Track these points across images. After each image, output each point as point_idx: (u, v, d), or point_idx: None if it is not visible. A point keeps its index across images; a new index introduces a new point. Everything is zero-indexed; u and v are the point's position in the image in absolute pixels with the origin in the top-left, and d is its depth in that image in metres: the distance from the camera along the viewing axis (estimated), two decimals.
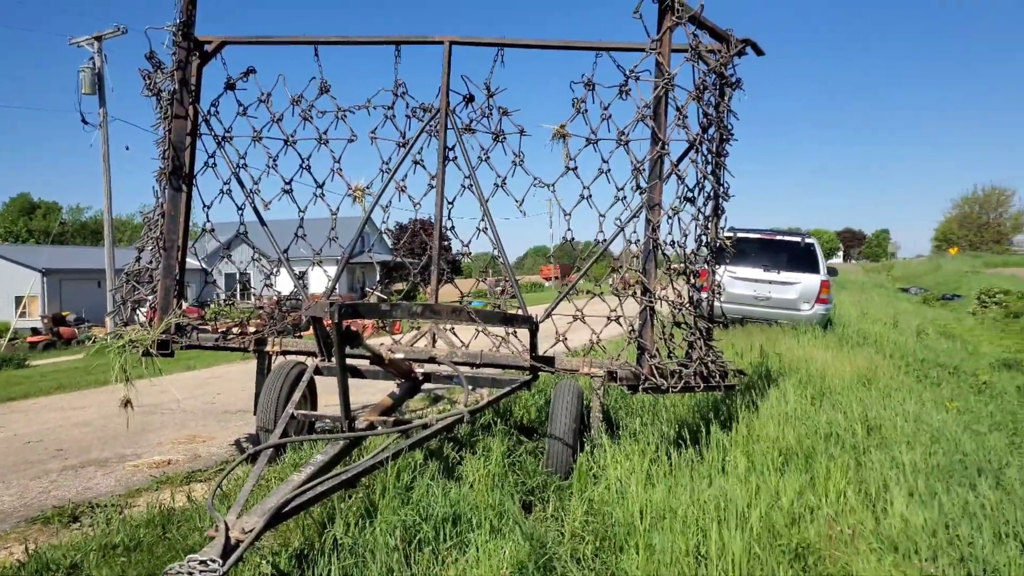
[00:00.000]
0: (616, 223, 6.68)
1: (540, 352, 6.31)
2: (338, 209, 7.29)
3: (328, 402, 7.07)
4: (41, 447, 7.89)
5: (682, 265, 6.29)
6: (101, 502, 5.78)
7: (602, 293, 6.99)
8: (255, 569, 3.93)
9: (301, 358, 6.97)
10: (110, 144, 28.28)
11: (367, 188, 7.20)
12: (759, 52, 6.75)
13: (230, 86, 7.10)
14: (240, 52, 7.13)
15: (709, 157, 6.41)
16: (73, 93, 28.95)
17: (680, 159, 6.21)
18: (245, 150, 7.21)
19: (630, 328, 6.22)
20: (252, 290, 8.21)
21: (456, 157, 7.01)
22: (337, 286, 7.38)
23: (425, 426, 5.08)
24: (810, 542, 4.07)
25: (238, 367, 14.21)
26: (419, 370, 6.62)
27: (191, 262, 7.16)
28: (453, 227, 7.30)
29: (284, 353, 6.95)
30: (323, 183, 7.31)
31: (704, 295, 6.71)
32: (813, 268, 14.55)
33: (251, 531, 3.49)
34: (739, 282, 14.27)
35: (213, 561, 3.17)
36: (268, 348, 6.91)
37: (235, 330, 7.19)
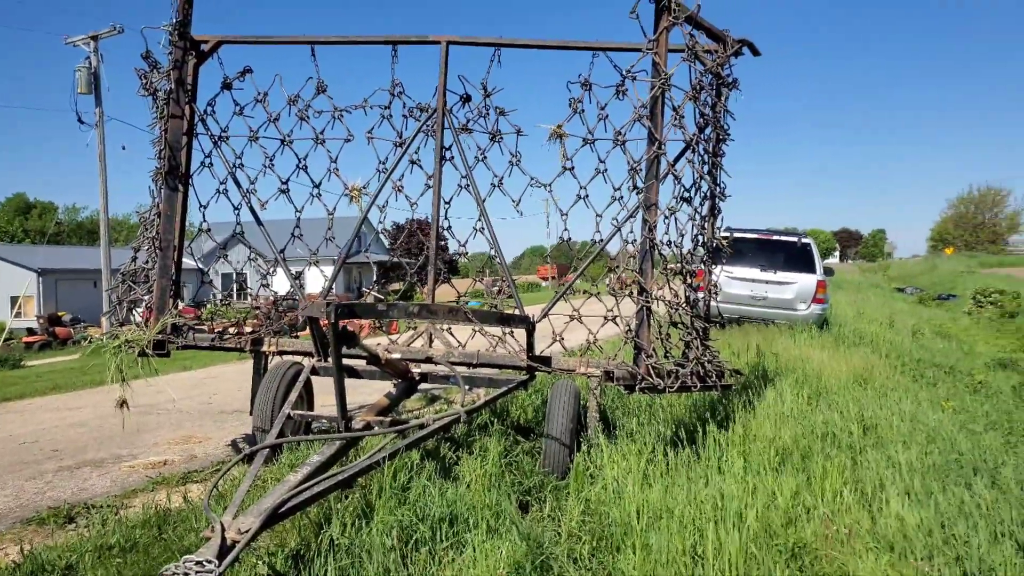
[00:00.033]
0: (613, 223, 6.69)
1: (537, 352, 6.31)
2: (335, 209, 7.29)
3: (325, 402, 7.06)
4: (37, 448, 7.87)
5: (679, 265, 6.30)
6: (97, 503, 5.77)
7: (599, 293, 6.99)
8: (251, 570, 3.93)
9: (297, 358, 6.96)
10: (106, 144, 28.23)
11: (364, 188, 7.20)
12: (756, 52, 6.76)
13: (226, 86, 7.09)
14: (237, 52, 7.13)
15: (706, 157, 6.41)
16: (69, 93, 28.84)
17: (677, 159, 6.22)
18: (241, 150, 7.22)
19: (627, 328, 6.22)
20: (248, 290, 8.20)
21: (453, 157, 7.02)
22: (334, 286, 7.38)
23: (422, 426, 5.07)
24: (806, 542, 4.08)
25: (234, 367, 14.19)
26: (416, 370, 6.62)
27: (187, 262, 7.14)
28: (450, 227, 7.31)
29: (280, 353, 6.94)
30: (320, 183, 7.32)
31: (701, 295, 6.72)
32: (809, 268, 14.57)
33: (247, 532, 3.49)
34: (736, 282, 14.28)
35: (209, 562, 3.16)
36: (264, 348, 6.90)
37: (231, 330, 7.17)
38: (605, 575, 4.02)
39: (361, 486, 4.88)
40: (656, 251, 5.91)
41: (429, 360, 6.60)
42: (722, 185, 6.72)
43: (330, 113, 7.14)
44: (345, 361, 5.80)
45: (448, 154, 7.01)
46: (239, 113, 7.16)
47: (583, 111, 6.58)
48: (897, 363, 11.09)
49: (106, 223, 28.86)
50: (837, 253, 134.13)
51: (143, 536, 4.65)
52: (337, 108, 7.13)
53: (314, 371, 6.55)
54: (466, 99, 7.08)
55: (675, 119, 5.88)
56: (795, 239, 15.14)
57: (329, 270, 7.44)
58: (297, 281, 7.46)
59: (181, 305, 6.96)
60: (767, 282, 14.55)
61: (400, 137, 7.18)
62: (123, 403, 6.11)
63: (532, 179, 6.94)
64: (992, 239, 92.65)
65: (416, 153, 7.17)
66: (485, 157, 7.06)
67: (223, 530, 3.45)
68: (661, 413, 7.19)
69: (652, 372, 5.83)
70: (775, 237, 15.16)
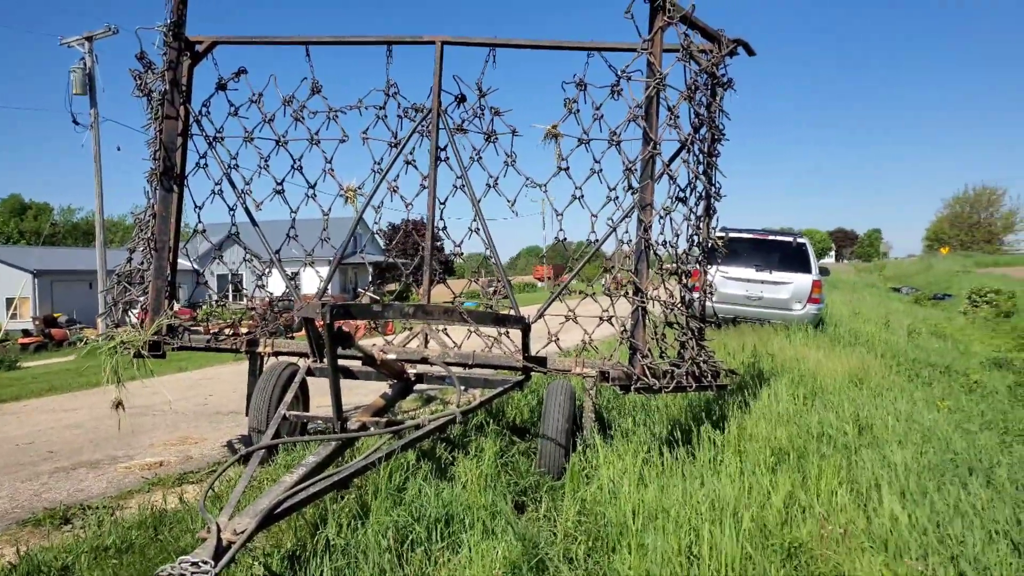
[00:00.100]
0: (608, 223, 6.70)
1: (532, 352, 6.31)
2: (330, 210, 7.28)
3: (320, 403, 7.07)
4: (32, 449, 7.85)
5: (674, 265, 6.30)
6: (92, 504, 5.76)
7: (594, 293, 6.99)
8: (247, 570, 3.93)
9: (293, 359, 6.96)
10: (101, 145, 28.22)
11: (359, 188, 7.20)
12: (750, 52, 6.77)
13: (221, 86, 7.08)
14: (231, 52, 7.13)
15: (701, 157, 6.42)
16: (64, 93, 28.80)
17: (672, 159, 6.22)
18: (236, 151, 7.21)
19: (622, 328, 6.23)
20: (244, 291, 8.20)
21: (448, 157, 7.02)
22: (329, 287, 7.37)
23: (417, 427, 5.07)
24: (802, 541, 4.08)
25: (230, 368, 14.17)
26: (411, 371, 6.62)
27: (183, 263, 7.13)
28: (445, 227, 7.31)
29: (276, 354, 6.94)
30: (315, 183, 7.31)
31: (696, 295, 6.73)
32: (805, 268, 14.59)
33: (243, 532, 3.49)
34: (731, 282, 14.30)
35: (205, 562, 3.16)
36: (260, 349, 6.90)
37: (227, 331, 7.17)
38: (601, 575, 4.03)
39: (357, 487, 4.88)
40: (651, 251, 5.91)
41: (425, 361, 6.60)
42: (717, 185, 6.73)
43: (325, 114, 7.14)
44: (341, 362, 5.79)
45: (443, 154, 7.01)
46: (234, 114, 7.16)
47: (578, 111, 6.59)
48: (892, 363, 11.12)
49: (101, 224, 28.82)
50: (833, 253, 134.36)
51: (139, 537, 4.65)
52: (332, 108, 7.13)
53: (310, 372, 6.54)
54: (461, 99, 7.08)
55: (670, 119, 5.89)
56: (791, 239, 15.17)
57: (325, 271, 7.44)
58: (293, 282, 7.45)
59: (177, 306, 6.96)
60: (763, 282, 14.57)
61: (395, 137, 7.18)
62: (119, 404, 6.10)
63: (527, 179, 6.95)
64: (988, 239, 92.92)
65: (411, 153, 7.17)
66: (480, 157, 7.06)
67: (219, 531, 3.44)
68: (656, 413, 7.19)
69: (648, 372, 5.83)
70: (771, 237, 15.18)
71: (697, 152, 6.34)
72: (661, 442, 5.85)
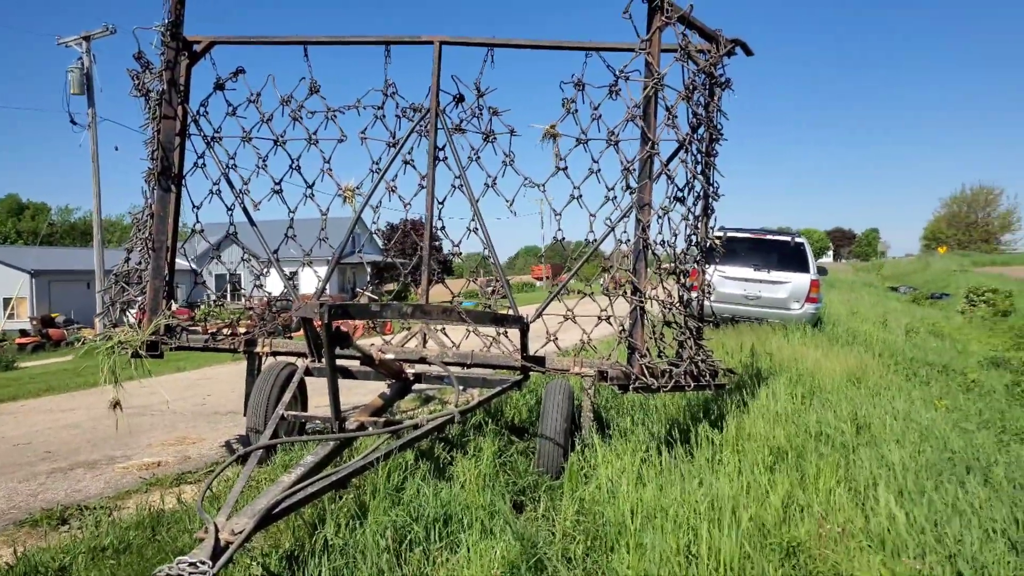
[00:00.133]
0: (606, 223, 6.70)
1: (531, 352, 6.31)
2: (328, 209, 7.28)
3: (318, 403, 7.06)
4: (30, 449, 7.84)
5: (672, 265, 6.31)
6: (90, 504, 5.75)
7: (593, 293, 6.99)
8: (245, 570, 3.93)
9: (291, 359, 6.95)
10: (99, 145, 28.16)
11: (357, 188, 7.20)
12: (748, 52, 6.77)
13: (219, 86, 7.08)
14: (229, 52, 7.12)
15: (699, 157, 6.43)
16: (62, 93, 28.78)
17: (670, 159, 6.22)
18: (234, 150, 7.20)
19: (620, 328, 6.23)
20: (242, 291, 8.19)
21: (446, 157, 7.02)
22: (327, 286, 7.37)
23: (416, 427, 5.07)
24: (800, 540, 4.09)
25: (228, 368, 14.16)
26: (410, 370, 6.61)
27: (181, 263, 7.13)
28: (444, 227, 7.32)
29: (274, 354, 6.93)
30: (313, 183, 7.31)
31: (694, 294, 6.74)
32: (803, 267, 14.60)
33: (241, 532, 3.48)
34: (729, 281, 14.31)
35: (203, 563, 3.16)
36: (258, 349, 6.89)
37: (225, 331, 7.16)
38: (599, 575, 4.03)
39: (355, 487, 4.87)
40: (649, 251, 5.91)
41: (423, 360, 6.60)
42: (715, 185, 6.74)
43: (323, 113, 7.13)
44: (339, 362, 5.79)
45: (441, 154, 7.01)
46: (232, 114, 7.15)
47: (576, 111, 6.60)
48: (890, 362, 11.13)
49: (99, 224, 28.78)
50: (831, 252, 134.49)
51: (137, 537, 4.64)
52: (330, 108, 7.13)
53: (308, 372, 6.54)
54: (459, 99, 7.08)
55: (668, 119, 5.89)
56: (788, 238, 15.17)
57: (323, 270, 7.44)
58: (291, 282, 7.45)
59: (174, 306, 6.95)
60: (761, 281, 14.58)
61: (393, 137, 7.18)
62: (116, 404, 6.09)
63: (526, 179, 6.95)
64: (985, 238, 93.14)
65: (409, 153, 7.16)
66: (478, 157, 7.06)
67: (217, 531, 3.44)
68: (655, 413, 7.19)
69: (646, 372, 5.83)
70: (769, 236, 15.19)
71: (695, 152, 6.35)
72: (659, 441, 5.85)
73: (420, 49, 6.97)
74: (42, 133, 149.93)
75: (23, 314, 40.26)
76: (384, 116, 7.14)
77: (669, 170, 6.04)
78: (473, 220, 6.98)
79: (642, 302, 5.88)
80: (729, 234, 14.00)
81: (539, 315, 6.71)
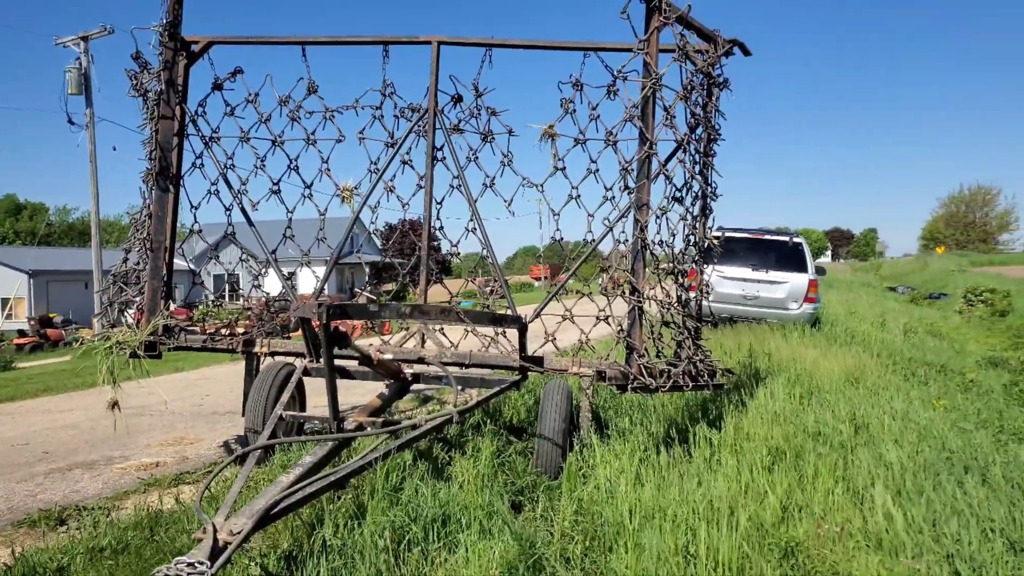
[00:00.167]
0: (605, 223, 6.70)
1: (529, 352, 6.31)
2: (326, 210, 7.29)
3: (317, 403, 7.05)
4: (27, 450, 7.83)
5: (670, 265, 6.31)
6: (88, 505, 5.75)
7: (591, 293, 7.00)
8: (243, 571, 3.92)
9: (290, 359, 6.95)
10: (97, 145, 28.13)
11: (355, 188, 7.20)
12: (746, 52, 6.78)
13: (217, 86, 7.08)
14: (228, 52, 7.12)
15: (697, 157, 6.43)
16: (59, 93, 28.78)
17: (668, 159, 6.23)
18: (233, 151, 7.20)
19: (619, 328, 6.24)
20: (240, 291, 8.19)
21: (444, 157, 7.02)
22: (326, 287, 7.37)
23: (414, 427, 5.07)
24: (799, 541, 4.09)
25: (226, 368, 14.15)
26: (408, 371, 6.61)
27: (179, 263, 7.13)
28: (442, 227, 7.32)
29: (272, 354, 6.93)
30: (311, 183, 7.31)
31: (692, 294, 6.74)
32: (801, 267, 14.62)
33: (239, 533, 3.48)
34: (727, 281, 14.33)
35: (201, 563, 3.15)
36: (256, 349, 6.89)
37: (223, 331, 7.16)
38: (598, 575, 4.03)
39: (353, 487, 4.87)
40: (648, 251, 5.92)
41: (421, 360, 6.60)
42: (713, 185, 6.74)
43: (321, 114, 7.14)
44: (337, 362, 5.79)
45: (440, 154, 7.01)
46: (230, 114, 7.15)
47: (574, 111, 6.61)
48: (888, 362, 11.14)
49: (97, 224, 28.75)
50: (829, 252, 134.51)
51: (135, 538, 4.64)
52: (328, 108, 7.13)
53: (306, 372, 6.54)
54: (457, 99, 7.08)
55: (666, 119, 5.89)
56: (787, 238, 15.19)
57: (321, 271, 7.43)
58: (289, 282, 7.45)
59: (172, 306, 6.94)
60: (759, 281, 14.60)
61: (391, 137, 7.18)
62: (114, 405, 6.09)
63: (524, 179, 6.95)
64: (983, 238, 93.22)
65: (407, 153, 7.17)
66: (477, 157, 7.07)
67: (215, 531, 3.44)
68: (653, 413, 7.19)
69: (644, 372, 5.84)
70: (767, 236, 15.20)
71: (693, 152, 6.35)
72: (658, 441, 5.85)
73: (418, 49, 6.97)
74: (40, 133, 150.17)
75: (21, 314, 40.22)
76: (382, 116, 7.15)
77: (667, 170, 6.05)
78: (471, 220, 6.99)
79: (640, 302, 5.88)
80: (727, 234, 14.00)
81: (537, 315, 6.71)
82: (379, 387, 6.80)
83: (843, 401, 7.46)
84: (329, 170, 7.26)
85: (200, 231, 7.20)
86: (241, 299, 7.83)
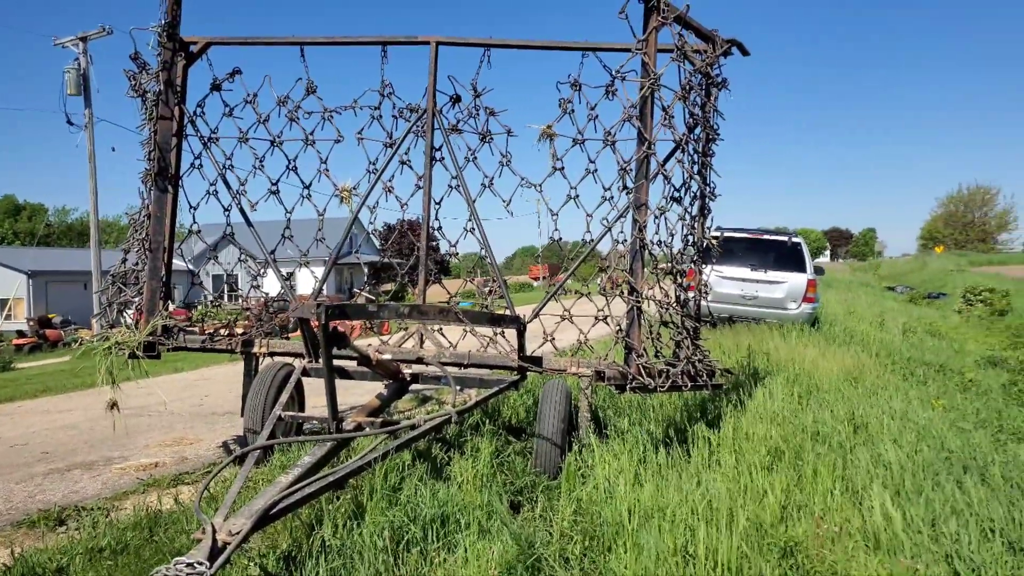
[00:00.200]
0: (603, 223, 6.70)
1: (528, 352, 6.32)
2: (325, 210, 7.29)
3: (316, 403, 7.05)
4: (26, 450, 7.83)
5: (669, 265, 6.31)
6: (87, 505, 5.75)
7: (590, 293, 7.00)
8: (243, 571, 3.93)
9: (288, 359, 6.95)
10: (96, 145, 28.13)
11: (354, 189, 7.20)
12: (745, 52, 6.78)
13: (216, 87, 7.07)
14: (226, 53, 7.12)
15: (695, 157, 6.43)
16: (58, 94, 28.77)
17: (666, 159, 6.23)
18: (231, 151, 7.20)
19: (617, 328, 6.24)
20: (239, 291, 8.19)
21: (443, 158, 7.02)
22: (325, 287, 7.37)
23: (413, 427, 5.07)
24: (798, 540, 4.09)
25: (226, 369, 14.16)
26: (407, 371, 6.61)
27: (178, 263, 7.13)
28: (441, 227, 7.32)
29: (271, 354, 6.93)
30: (310, 184, 7.32)
31: (691, 294, 6.74)
32: (800, 267, 14.63)
33: (238, 533, 3.48)
34: (726, 281, 14.33)
35: (200, 563, 3.15)
36: (255, 349, 6.89)
37: (222, 332, 7.16)
38: (596, 575, 4.03)
39: (352, 487, 4.87)
40: (646, 251, 5.92)
41: (420, 361, 6.60)
42: (712, 185, 6.74)
43: (320, 114, 7.14)
44: (336, 362, 5.79)
45: (438, 155, 7.01)
46: (229, 114, 7.15)
47: (573, 111, 6.61)
48: (887, 361, 11.14)
49: (96, 225, 28.74)
50: (828, 252, 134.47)
51: (134, 538, 4.64)
52: (327, 109, 7.13)
53: (305, 372, 6.54)
54: (456, 100, 7.09)
55: (665, 119, 5.89)
56: (785, 238, 15.19)
57: (320, 271, 7.43)
58: (288, 282, 7.45)
59: (171, 307, 6.94)
60: (757, 281, 14.60)
61: (390, 138, 7.18)
62: (113, 405, 6.08)
63: (522, 179, 6.95)
64: (982, 237, 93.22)
65: (406, 154, 7.17)
66: (475, 157, 7.07)
67: (214, 532, 3.44)
68: (652, 413, 7.20)
69: (643, 372, 5.84)
70: (765, 236, 15.21)
71: (692, 152, 6.35)
72: (657, 441, 5.85)
73: (417, 49, 6.97)
74: (39, 134, 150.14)
75: (20, 315, 40.21)
76: (381, 116, 7.15)
77: (666, 170, 6.06)
78: (470, 220, 6.99)
79: (639, 302, 5.88)
80: (726, 234, 14.03)
81: (536, 315, 6.71)
82: (378, 387, 6.80)
83: (842, 401, 7.47)
84: (328, 170, 7.26)
85: (199, 231, 7.20)
86: (240, 299, 7.83)
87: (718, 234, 7.03)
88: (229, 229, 7.31)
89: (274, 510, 3.79)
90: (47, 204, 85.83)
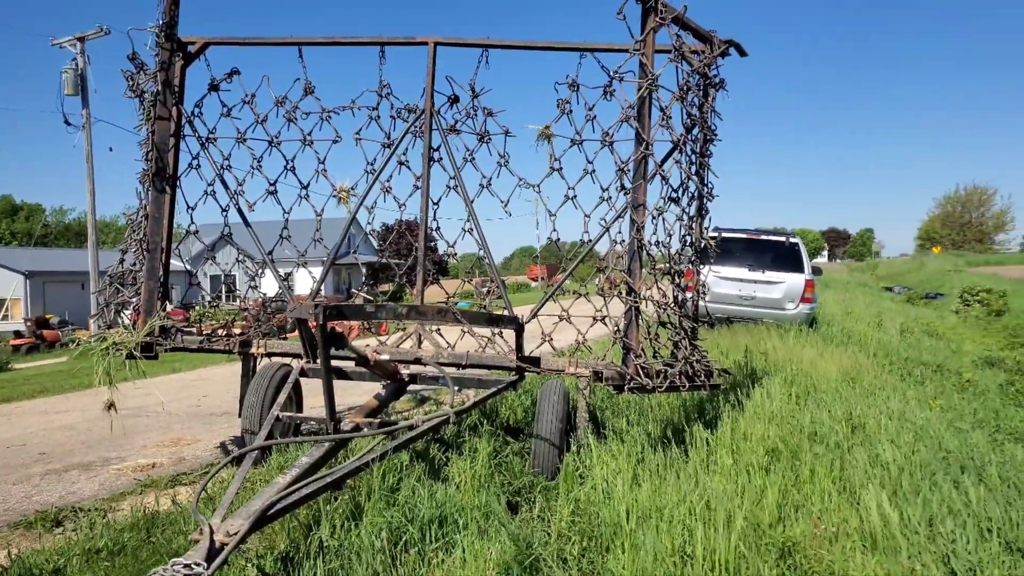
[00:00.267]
0: (601, 223, 6.70)
1: (526, 352, 6.31)
2: (323, 210, 7.28)
3: (314, 404, 7.05)
4: (24, 451, 7.82)
5: (667, 265, 6.32)
6: (84, 506, 5.74)
7: (588, 293, 7.00)
8: (240, 572, 3.92)
9: (286, 360, 6.95)
10: (93, 145, 28.11)
11: (352, 189, 7.19)
12: (742, 53, 6.78)
13: (214, 87, 7.07)
14: (224, 53, 7.12)
15: (693, 157, 6.43)
16: (56, 94, 28.75)
17: (664, 160, 6.24)
18: (229, 151, 7.20)
19: (615, 328, 6.24)
20: (237, 292, 8.18)
21: (441, 158, 7.01)
22: (322, 287, 7.36)
23: (411, 427, 5.07)
24: (795, 541, 4.09)
25: (223, 369, 14.15)
26: (405, 371, 6.61)
27: (175, 264, 7.12)
28: (439, 228, 7.31)
29: (269, 355, 6.93)
30: (308, 184, 7.31)
31: (689, 295, 6.74)
32: (798, 267, 14.64)
33: (236, 534, 3.48)
34: (724, 282, 14.34)
35: (198, 564, 3.15)
36: (253, 350, 6.89)
37: (220, 332, 7.15)
38: (595, 575, 4.03)
39: (350, 488, 4.87)
40: (644, 251, 5.92)
41: (418, 361, 6.59)
42: (710, 185, 6.75)
43: (318, 114, 7.13)
44: (334, 363, 5.79)
45: (436, 155, 7.00)
46: (226, 114, 7.14)
47: (571, 112, 6.60)
48: (885, 362, 11.16)
49: (94, 225, 28.71)
50: (825, 252, 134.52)
51: (131, 539, 4.64)
52: (325, 109, 7.13)
53: (303, 373, 6.53)
54: (454, 100, 7.09)
55: (662, 120, 5.90)
56: (783, 239, 15.21)
57: (318, 271, 7.42)
58: (285, 282, 7.44)
59: (169, 307, 6.94)
60: (755, 282, 14.61)
61: (388, 138, 7.18)
62: (111, 406, 6.08)
63: (520, 180, 6.95)
64: (979, 238, 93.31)
65: (404, 154, 7.17)
66: (473, 158, 7.07)
67: (212, 532, 3.43)
68: (650, 413, 7.20)
69: (641, 372, 5.84)
70: (763, 237, 15.22)
71: (689, 152, 6.36)
72: (655, 442, 5.86)
73: (415, 50, 6.97)
74: (37, 134, 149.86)
75: (17, 315, 40.15)
76: (379, 117, 7.15)
77: (663, 171, 6.06)
78: (468, 221, 6.99)
79: (637, 302, 5.89)
80: (724, 234, 14.05)
81: (534, 316, 6.71)
82: (376, 388, 6.80)
83: (839, 401, 7.47)
84: (326, 171, 7.26)
85: (196, 232, 7.20)
86: (238, 300, 7.83)
87: (716, 234, 7.03)
88: (227, 229, 7.30)
89: (272, 511, 3.79)
90: (44, 204, 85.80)
